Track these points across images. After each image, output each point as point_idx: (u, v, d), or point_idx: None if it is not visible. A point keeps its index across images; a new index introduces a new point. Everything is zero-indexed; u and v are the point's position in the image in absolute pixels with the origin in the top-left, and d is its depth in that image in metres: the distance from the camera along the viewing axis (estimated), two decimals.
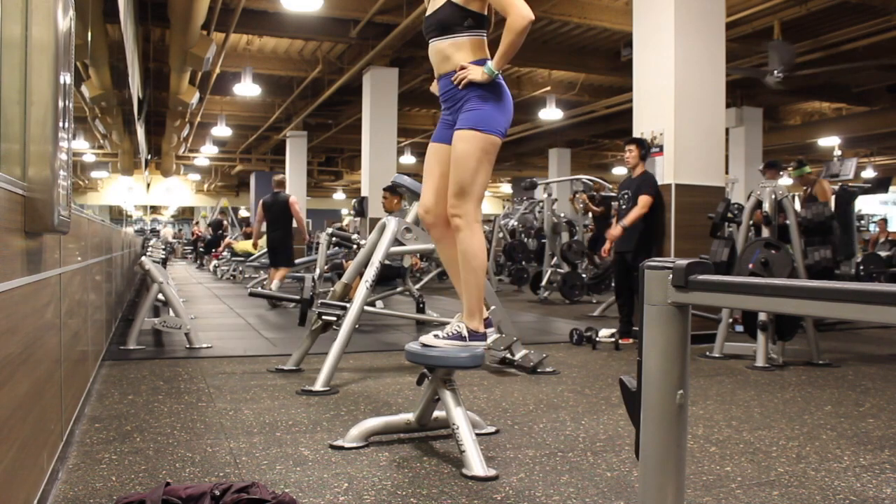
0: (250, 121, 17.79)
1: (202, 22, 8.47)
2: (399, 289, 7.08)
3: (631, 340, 5.40)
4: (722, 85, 5.86)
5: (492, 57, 2.56)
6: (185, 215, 35.61)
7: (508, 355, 4.31)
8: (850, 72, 11.12)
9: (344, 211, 31.80)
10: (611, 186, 11.41)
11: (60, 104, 1.83)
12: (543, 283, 9.43)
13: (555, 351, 5.11)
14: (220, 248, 16.22)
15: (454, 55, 2.59)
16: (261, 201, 8.97)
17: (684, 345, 1.35)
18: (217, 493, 1.91)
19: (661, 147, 5.65)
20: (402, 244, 4.23)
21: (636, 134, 5.83)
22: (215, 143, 20.33)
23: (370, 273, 3.99)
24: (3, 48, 1.72)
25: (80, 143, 18.82)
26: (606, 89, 13.76)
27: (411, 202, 4.40)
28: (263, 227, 8.92)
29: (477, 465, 2.37)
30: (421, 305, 6.42)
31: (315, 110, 14.71)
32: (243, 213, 28.18)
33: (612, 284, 7.51)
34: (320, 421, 3.08)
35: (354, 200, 12.01)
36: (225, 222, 19.58)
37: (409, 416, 2.76)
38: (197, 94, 11.96)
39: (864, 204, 17.33)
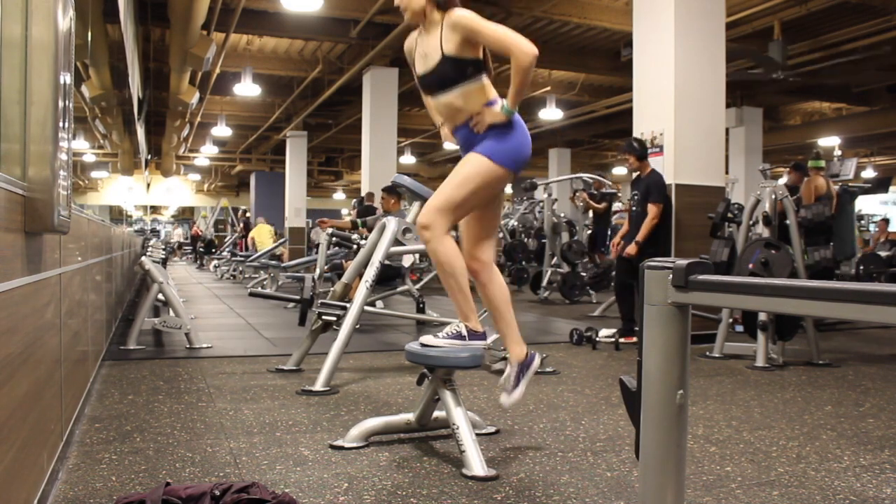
0: (250, 121, 17.80)
1: (202, 22, 8.47)
2: (399, 289, 7.08)
3: (633, 339, 5.40)
4: (722, 85, 5.86)
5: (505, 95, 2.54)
6: (185, 215, 35.60)
7: (508, 355, 4.30)
8: (850, 72, 11.12)
9: (344, 211, 31.78)
10: (610, 182, 11.43)
11: (60, 104, 1.83)
12: (544, 283, 9.44)
13: (555, 351, 5.11)
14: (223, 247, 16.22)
15: (465, 105, 2.56)
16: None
17: (684, 345, 1.35)
18: (217, 493, 1.91)
19: (661, 147, 5.65)
20: (402, 244, 4.23)
21: (636, 134, 5.83)
22: (215, 143, 20.34)
23: (370, 273, 3.99)
24: (3, 48, 1.72)
25: (80, 143, 18.82)
26: (606, 89, 13.76)
27: (411, 202, 4.40)
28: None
29: (477, 465, 2.37)
30: (421, 305, 6.41)
31: (315, 110, 14.72)
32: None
33: (612, 284, 7.51)
34: (320, 421, 3.08)
35: (354, 200, 12.02)
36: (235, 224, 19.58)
37: (409, 416, 2.76)
38: (197, 94, 11.96)
39: (864, 204, 17.34)
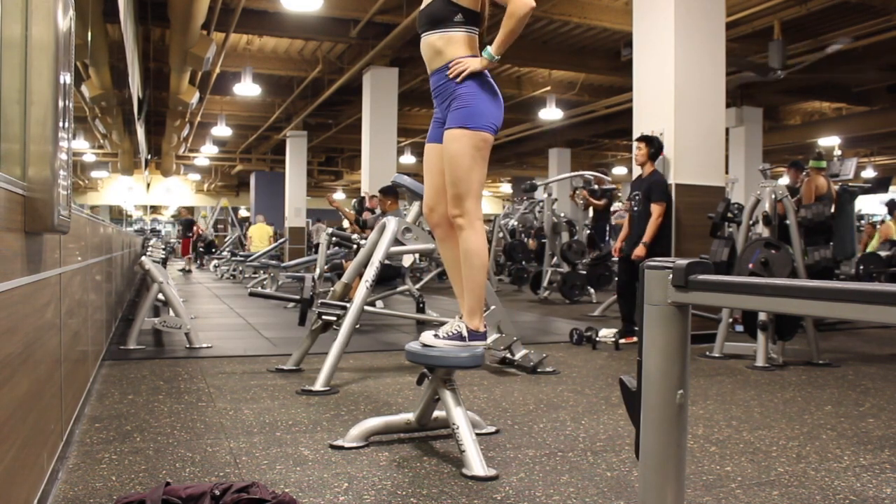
0: (250, 121, 17.79)
1: (202, 22, 8.47)
2: (399, 289, 7.08)
3: (633, 340, 5.40)
4: (722, 85, 5.86)
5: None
6: (184, 215, 35.56)
7: (508, 355, 4.31)
8: (850, 72, 11.12)
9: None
10: (610, 178, 11.42)
11: (60, 104, 1.83)
12: (544, 283, 9.44)
13: (555, 351, 5.11)
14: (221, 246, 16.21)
15: (446, 49, 2.57)
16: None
17: (684, 345, 1.35)
18: (217, 493, 1.91)
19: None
20: (402, 244, 4.23)
21: (636, 134, 5.83)
22: (215, 142, 20.33)
23: (370, 273, 3.99)
24: (3, 48, 1.72)
25: (80, 143, 18.81)
26: (606, 89, 13.75)
27: (411, 202, 4.40)
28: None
29: (477, 464, 2.37)
30: (421, 305, 6.42)
31: (315, 110, 14.71)
32: (243, 212, 28.20)
33: (614, 279, 7.50)
34: (320, 421, 3.08)
35: (354, 201, 12.01)
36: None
37: (409, 416, 2.76)
38: (197, 94, 11.96)
39: (865, 204, 17.34)
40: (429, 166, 2.74)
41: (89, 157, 22.71)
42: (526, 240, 12.55)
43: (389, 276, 6.66)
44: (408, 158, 21.01)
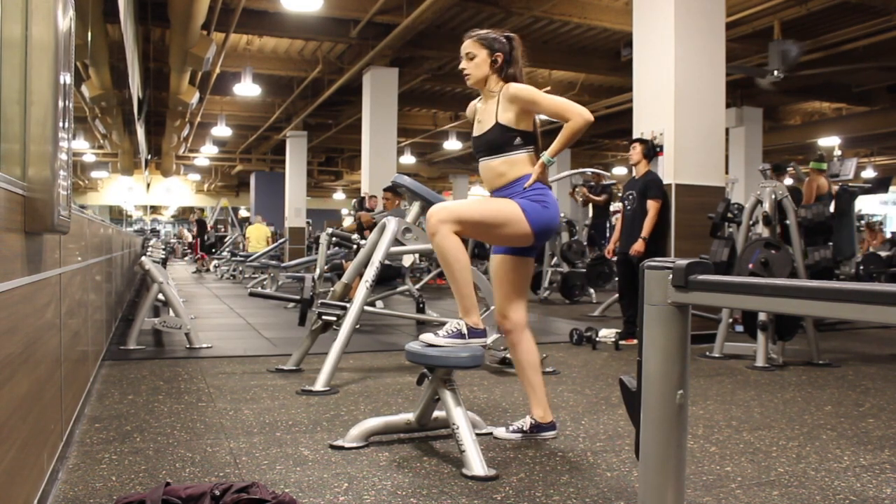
0: (250, 121, 17.79)
1: (202, 22, 8.47)
2: (399, 289, 7.08)
3: (633, 341, 5.40)
4: (722, 85, 5.86)
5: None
6: (184, 215, 35.60)
7: (508, 355, 4.31)
8: (850, 72, 11.12)
9: (344, 211, 31.80)
10: (609, 175, 11.42)
11: (60, 104, 1.83)
12: (544, 283, 9.43)
13: (555, 351, 5.11)
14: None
15: (508, 171, 2.72)
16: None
17: (684, 345, 1.35)
18: (217, 493, 1.91)
19: (661, 147, 5.66)
20: (402, 244, 4.23)
21: (636, 134, 5.83)
22: (215, 143, 20.33)
23: (370, 273, 3.99)
24: (3, 48, 1.72)
25: (80, 143, 18.81)
26: (606, 89, 13.75)
27: (411, 202, 4.40)
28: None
29: (477, 464, 2.37)
30: (421, 305, 6.42)
31: (315, 110, 14.71)
32: (243, 213, 28.21)
33: (613, 281, 7.51)
34: (320, 421, 3.08)
35: (354, 201, 12.02)
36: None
37: (409, 416, 2.76)
38: (197, 94, 11.96)
39: (865, 204, 17.35)
40: (496, 277, 2.89)
41: (89, 157, 22.72)
42: None
43: (389, 276, 6.66)
44: (408, 158, 21.02)
